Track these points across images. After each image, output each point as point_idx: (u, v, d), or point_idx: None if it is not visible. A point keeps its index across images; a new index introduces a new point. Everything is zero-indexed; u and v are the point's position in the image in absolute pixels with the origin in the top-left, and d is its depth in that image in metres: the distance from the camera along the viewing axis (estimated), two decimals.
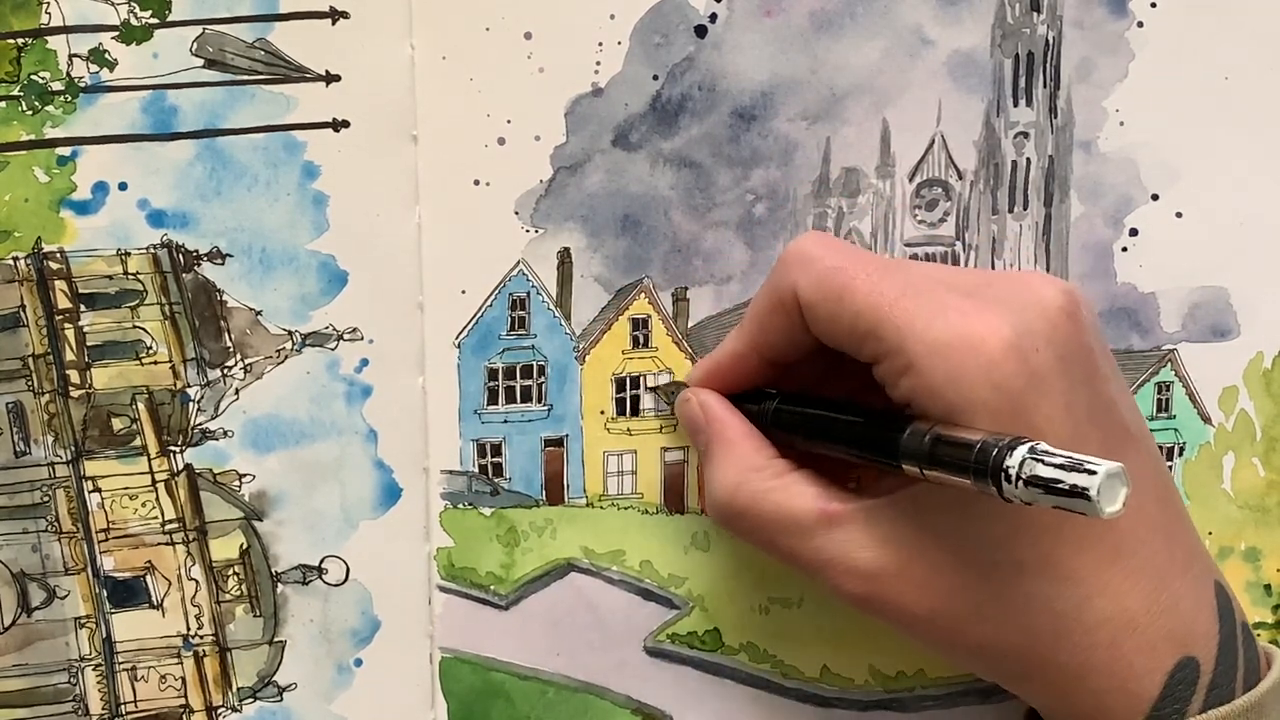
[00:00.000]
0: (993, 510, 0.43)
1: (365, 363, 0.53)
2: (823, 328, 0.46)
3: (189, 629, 0.53)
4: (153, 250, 0.52)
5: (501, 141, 0.53)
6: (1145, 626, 0.43)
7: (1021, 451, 0.39)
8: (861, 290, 0.45)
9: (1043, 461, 0.38)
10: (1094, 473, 0.37)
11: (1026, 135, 0.55)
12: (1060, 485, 0.38)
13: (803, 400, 0.49)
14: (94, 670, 0.52)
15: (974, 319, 0.43)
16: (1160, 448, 0.56)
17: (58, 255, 0.51)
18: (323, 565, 0.53)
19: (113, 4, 0.51)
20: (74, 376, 0.52)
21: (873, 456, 0.45)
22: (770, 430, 0.50)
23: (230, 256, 0.52)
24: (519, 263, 0.53)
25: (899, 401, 0.44)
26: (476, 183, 0.53)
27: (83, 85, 0.51)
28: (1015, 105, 0.55)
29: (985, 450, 0.40)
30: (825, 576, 0.46)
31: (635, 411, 0.54)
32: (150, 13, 0.51)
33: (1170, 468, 0.56)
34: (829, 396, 0.49)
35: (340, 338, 0.53)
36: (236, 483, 0.52)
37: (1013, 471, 0.39)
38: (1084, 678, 0.44)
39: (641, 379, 0.54)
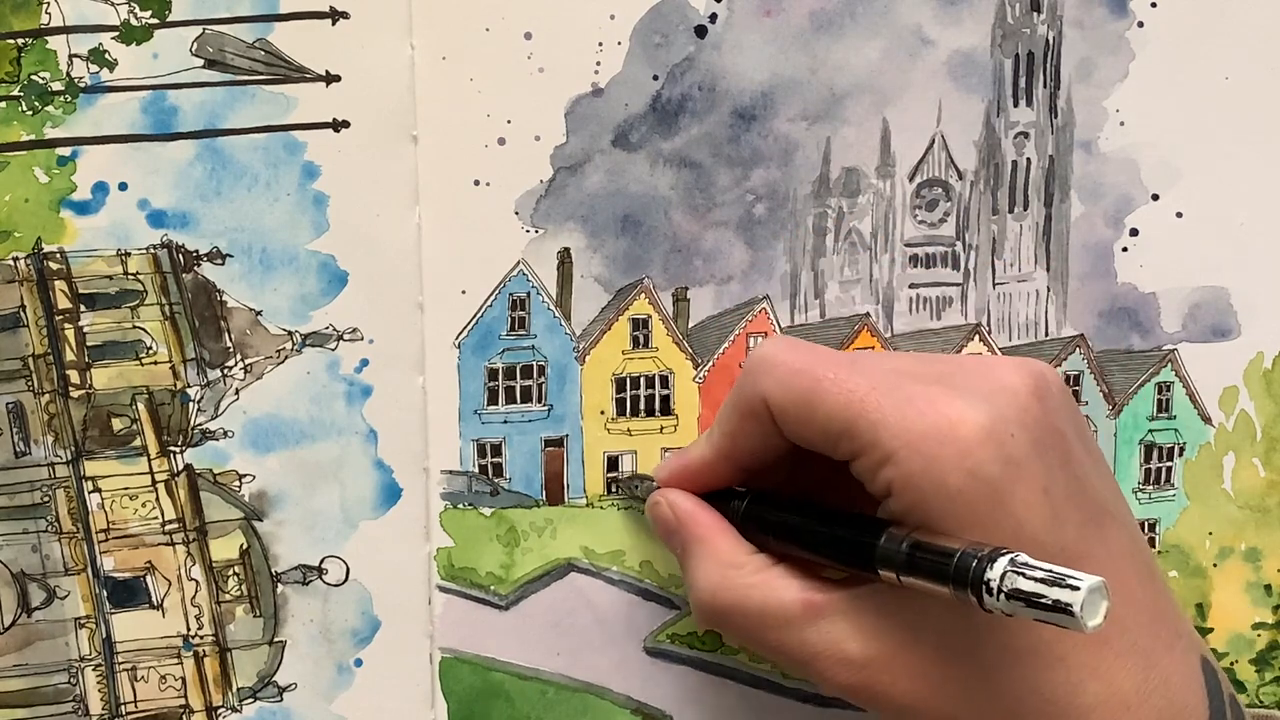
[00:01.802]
0: None
1: (365, 363, 0.53)
2: (795, 430, 0.46)
3: (189, 629, 0.53)
4: (153, 250, 0.52)
5: (501, 141, 0.53)
6: (1137, 706, 0.43)
7: (1002, 564, 0.39)
8: (830, 390, 0.44)
9: (1024, 575, 0.38)
10: (1077, 588, 0.37)
11: (1027, 135, 0.55)
12: (1042, 600, 0.38)
13: (773, 502, 0.49)
14: (94, 670, 0.52)
15: (945, 407, 0.43)
16: (1160, 448, 0.56)
17: (58, 255, 0.51)
18: (323, 565, 0.53)
19: (113, 4, 0.51)
20: (74, 376, 0.52)
21: (848, 564, 0.45)
22: (741, 529, 0.49)
23: (230, 256, 0.52)
24: (519, 263, 0.53)
25: (878, 495, 0.44)
26: (476, 183, 0.53)
27: (83, 85, 0.51)
28: (1015, 105, 0.55)
29: (965, 560, 0.40)
30: (815, 668, 0.45)
31: (635, 412, 0.54)
32: (150, 13, 0.51)
33: (1171, 468, 0.56)
34: (800, 496, 0.49)
35: (340, 338, 0.53)
36: (236, 483, 0.52)
37: (994, 584, 0.39)
38: None
39: (614, 477, 0.54)
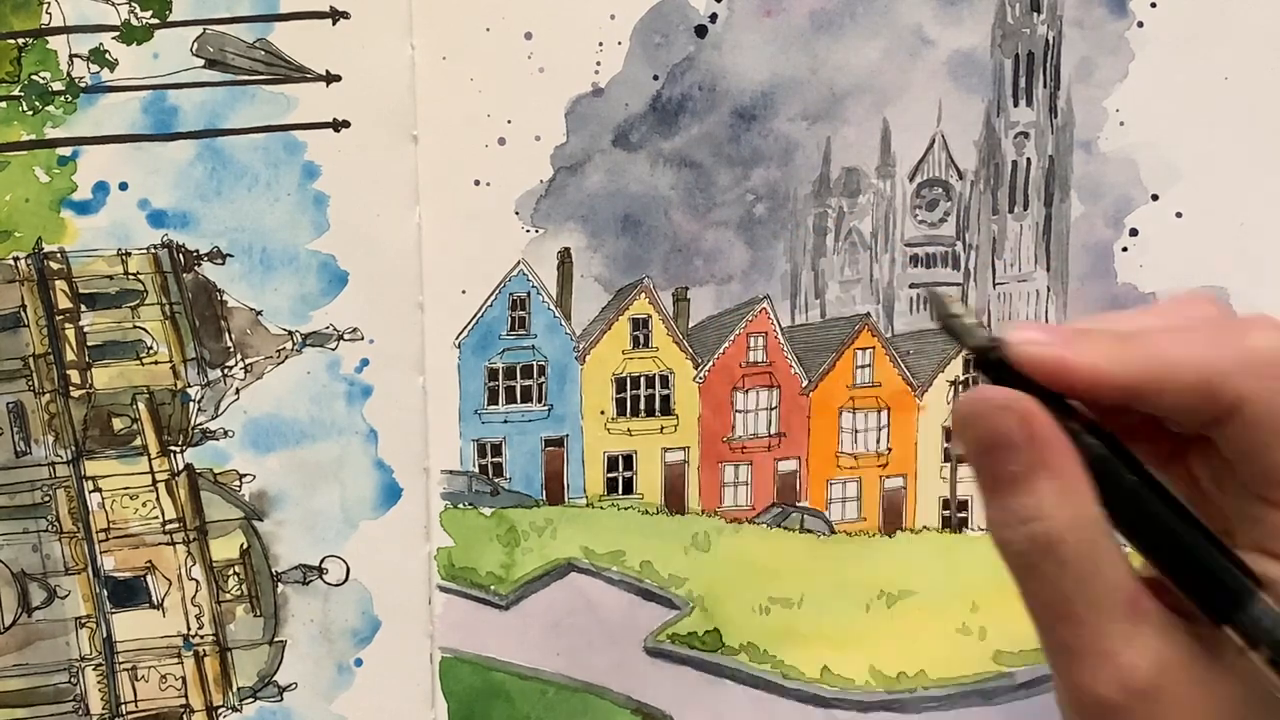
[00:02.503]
0: None
1: (365, 363, 0.53)
2: (1248, 460, 0.37)
3: (189, 629, 0.53)
4: (153, 250, 0.52)
5: (501, 141, 0.53)
6: None
7: None
8: None
9: None
10: None
11: (1027, 135, 0.55)
12: None
13: (1135, 466, 0.37)
14: (94, 670, 0.53)
15: None
16: None
17: (58, 255, 0.51)
18: (323, 565, 0.53)
19: (113, 4, 0.51)
20: (74, 376, 0.52)
21: (1195, 595, 0.37)
22: None
23: (230, 256, 0.52)
24: (519, 263, 0.53)
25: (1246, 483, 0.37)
26: (476, 183, 0.53)
27: (83, 85, 0.51)
28: (1015, 105, 0.55)
29: None
30: (1084, 666, 0.37)
31: (635, 412, 0.54)
32: (151, 13, 0.51)
33: None
34: (1163, 477, 0.38)
35: (340, 338, 0.53)
36: (237, 483, 0.52)
37: None
38: None
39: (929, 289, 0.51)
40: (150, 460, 0.52)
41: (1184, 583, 0.37)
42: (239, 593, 0.53)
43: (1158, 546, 0.37)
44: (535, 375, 0.54)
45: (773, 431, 0.55)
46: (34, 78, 0.51)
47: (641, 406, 0.54)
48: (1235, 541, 0.37)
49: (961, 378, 0.55)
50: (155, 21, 0.51)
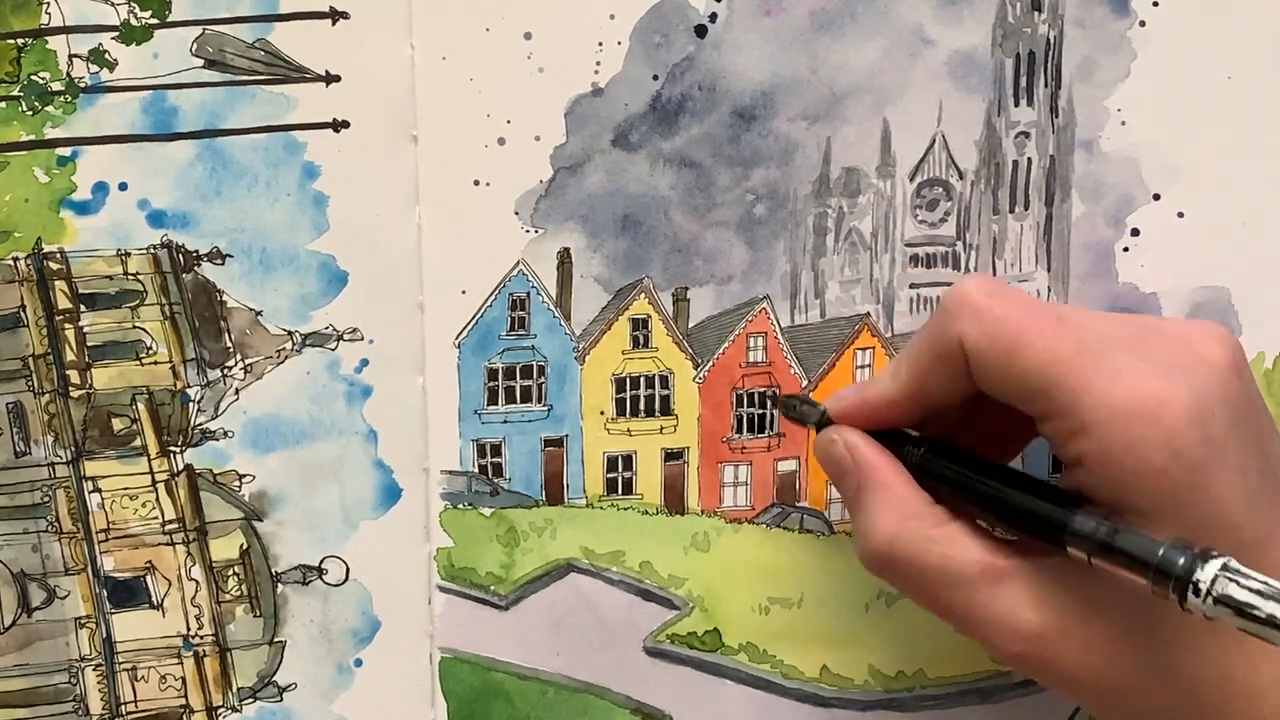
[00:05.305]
0: None
1: (365, 363, 0.53)
2: (990, 380, 0.45)
3: (189, 629, 0.53)
4: (153, 250, 0.52)
5: (501, 141, 0.53)
6: None
7: (1214, 567, 0.38)
8: (1035, 346, 0.43)
9: (1237, 583, 0.37)
10: None
11: (1027, 135, 0.55)
12: (1255, 612, 0.37)
13: (955, 454, 0.47)
14: (94, 670, 0.53)
15: (1152, 384, 0.42)
16: None
17: (58, 255, 0.52)
18: (323, 565, 0.53)
19: (113, 4, 0.51)
20: (74, 377, 0.52)
21: (1035, 535, 0.44)
22: (915, 478, 0.48)
23: (230, 257, 0.52)
24: (519, 263, 0.53)
25: (1066, 461, 0.43)
26: (476, 183, 0.53)
27: (83, 85, 0.51)
28: (1016, 105, 0.54)
29: (1171, 555, 0.39)
30: (984, 633, 0.45)
31: (635, 412, 0.54)
32: (150, 13, 0.51)
33: None
34: (972, 445, 0.48)
35: (340, 338, 0.53)
36: (236, 483, 0.53)
37: (1202, 586, 0.38)
38: None
39: (765, 396, 0.54)
40: (150, 460, 0.52)
41: (1023, 526, 0.44)
42: (239, 593, 0.53)
43: (991, 506, 0.45)
44: (535, 375, 0.54)
45: (773, 432, 0.55)
46: (33, 78, 0.51)
47: (641, 407, 0.54)
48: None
49: None
50: (155, 21, 0.51)
